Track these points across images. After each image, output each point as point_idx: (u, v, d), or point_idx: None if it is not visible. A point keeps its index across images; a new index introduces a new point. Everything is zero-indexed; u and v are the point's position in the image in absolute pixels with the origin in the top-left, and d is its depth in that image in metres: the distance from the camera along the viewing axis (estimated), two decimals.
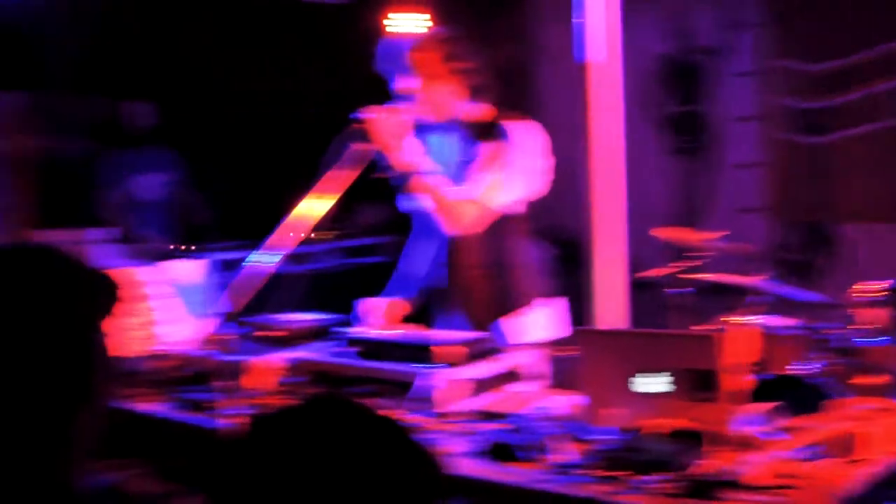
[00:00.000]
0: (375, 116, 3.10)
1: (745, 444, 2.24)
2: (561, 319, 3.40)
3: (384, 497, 1.17)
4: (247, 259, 5.31)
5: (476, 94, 3.30)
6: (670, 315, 4.80)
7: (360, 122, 3.09)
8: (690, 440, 2.22)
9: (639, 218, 4.84)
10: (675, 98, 7.27)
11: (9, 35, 5.97)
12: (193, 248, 5.51)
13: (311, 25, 6.83)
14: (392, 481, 1.18)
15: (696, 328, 3.94)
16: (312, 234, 3.05)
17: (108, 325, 1.41)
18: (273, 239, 2.89)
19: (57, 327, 1.33)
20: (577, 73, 4.64)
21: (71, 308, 1.36)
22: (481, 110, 3.31)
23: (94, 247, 5.20)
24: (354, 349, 2.96)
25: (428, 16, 6.41)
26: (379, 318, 3.33)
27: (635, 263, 4.84)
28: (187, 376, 2.98)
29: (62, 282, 1.37)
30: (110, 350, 1.41)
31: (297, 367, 2.94)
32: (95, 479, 1.45)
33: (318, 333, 3.25)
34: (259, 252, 2.96)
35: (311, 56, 6.81)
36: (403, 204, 3.41)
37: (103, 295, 1.42)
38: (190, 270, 3.60)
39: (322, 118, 4.17)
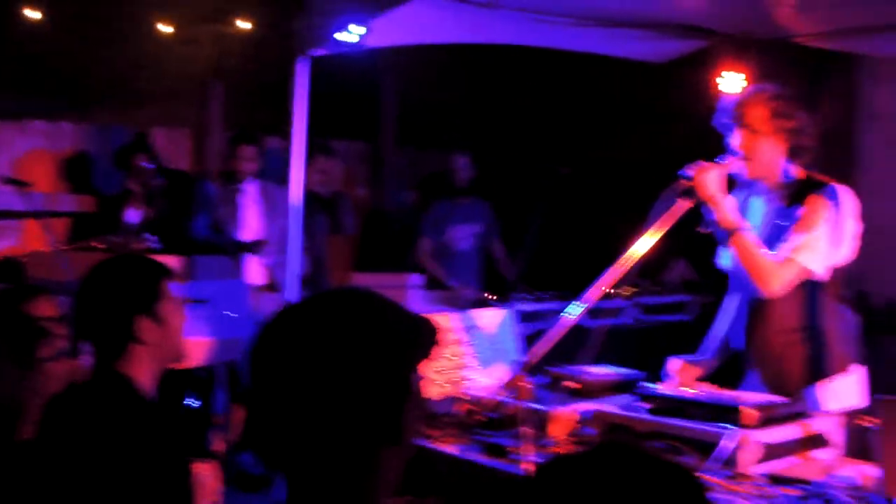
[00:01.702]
0: (704, 172, 3.08)
1: None
2: (863, 388, 3.25)
3: None
4: (551, 310, 5.42)
5: (797, 154, 3.22)
6: None
7: (688, 177, 3.08)
8: None
9: None
10: None
11: (348, 86, 6.39)
12: (499, 297, 5.65)
13: (630, 84, 6.88)
14: None
15: None
16: (621, 289, 3.05)
17: (421, 368, 1.47)
18: (586, 292, 2.93)
19: (379, 368, 1.38)
20: None
21: (393, 350, 1.40)
22: (800, 171, 3.23)
23: (409, 291, 5.45)
24: (651, 405, 2.94)
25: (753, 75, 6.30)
26: (684, 376, 3.32)
27: None
28: (488, 421, 3.06)
29: (388, 324, 1.42)
30: (421, 391, 1.46)
31: (594, 419, 2.96)
32: None
33: (617, 388, 3.26)
34: (570, 304, 3.00)
35: (630, 115, 6.85)
36: (722, 261, 3.37)
37: (425, 338, 1.47)
38: (495, 319, 3.70)
39: (640, 179, 4.16)
